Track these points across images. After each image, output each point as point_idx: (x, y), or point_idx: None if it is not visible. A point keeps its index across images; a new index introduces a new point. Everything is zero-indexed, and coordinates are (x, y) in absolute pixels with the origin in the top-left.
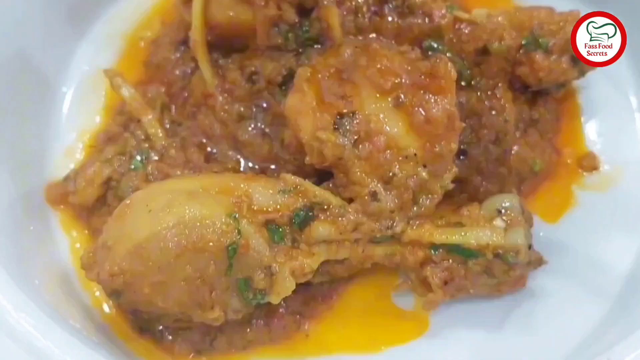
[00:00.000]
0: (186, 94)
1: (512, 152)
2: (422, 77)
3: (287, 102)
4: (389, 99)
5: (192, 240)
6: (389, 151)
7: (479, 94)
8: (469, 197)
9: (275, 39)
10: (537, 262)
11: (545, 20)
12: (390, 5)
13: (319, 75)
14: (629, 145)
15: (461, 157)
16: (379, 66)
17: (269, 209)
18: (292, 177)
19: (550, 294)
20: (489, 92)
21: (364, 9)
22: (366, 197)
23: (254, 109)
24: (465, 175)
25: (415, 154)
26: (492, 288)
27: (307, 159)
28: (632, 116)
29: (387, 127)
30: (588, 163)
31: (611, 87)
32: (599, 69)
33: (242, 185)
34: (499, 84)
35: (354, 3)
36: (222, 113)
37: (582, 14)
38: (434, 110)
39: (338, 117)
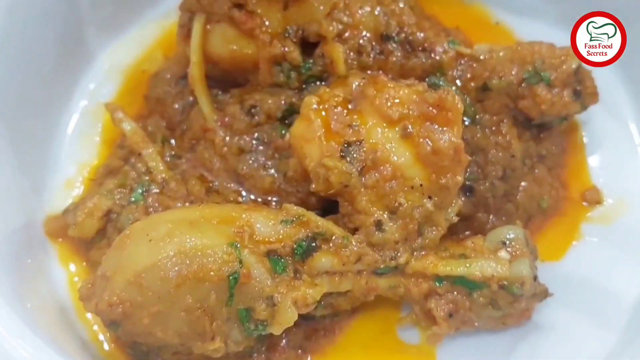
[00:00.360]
0: (185, 127)
1: (520, 188)
2: (430, 108)
3: (293, 129)
4: (397, 129)
5: (192, 270)
6: (395, 181)
7: (485, 130)
8: (475, 234)
9: (277, 77)
10: (543, 294)
11: (546, 54)
12: (393, 42)
13: (326, 104)
14: (632, 178)
15: (467, 194)
16: (387, 96)
17: (271, 239)
18: (295, 207)
19: (556, 327)
20: (493, 128)
21: (368, 48)
22: (371, 227)
23: (254, 143)
24: (471, 212)
25: (421, 185)
26: (497, 321)
27: (312, 186)
28: (634, 149)
29: (394, 157)
30: (592, 197)
31: (612, 121)
32: (600, 103)
33: (243, 215)
34: (504, 120)
35: (358, 40)
36: (221, 147)
37: (582, 14)
38: (440, 142)
39: (345, 145)
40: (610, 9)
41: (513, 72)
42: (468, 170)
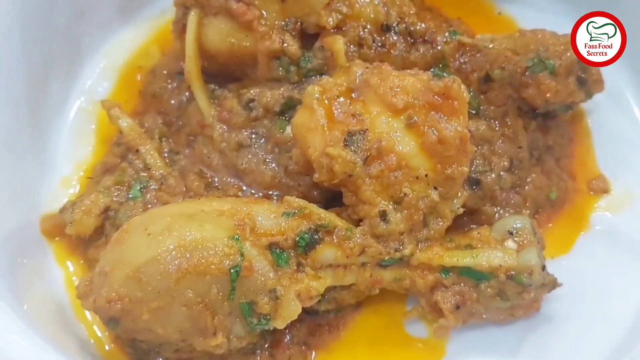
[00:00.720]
0: (181, 123)
1: (528, 180)
2: (435, 97)
3: (295, 119)
4: (401, 118)
5: (193, 264)
6: (400, 171)
7: (490, 121)
8: None
9: (276, 71)
10: (551, 284)
11: (550, 42)
12: (394, 33)
13: (329, 93)
14: (638, 166)
15: (474, 188)
16: (391, 85)
17: (273, 232)
18: (296, 200)
19: (565, 319)
20: (498, 120)
21: (369, 40)
22: (375, 217)
23: (254, 137)
24: (478, 205)
25: (426, 175)
26: (505, 312)
27: (315, 176)
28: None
29: (399, 146)
30: (599, 186)
31: (617, 109)
32: (605, 91)
33: (244, 208)
34: (509, 111)
35: (359, 32)
36: (220, 142)
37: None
38: (446, 131)
39: (349, 134)
40: (610, 9)
41: (515, 61)
42: (474, 163)
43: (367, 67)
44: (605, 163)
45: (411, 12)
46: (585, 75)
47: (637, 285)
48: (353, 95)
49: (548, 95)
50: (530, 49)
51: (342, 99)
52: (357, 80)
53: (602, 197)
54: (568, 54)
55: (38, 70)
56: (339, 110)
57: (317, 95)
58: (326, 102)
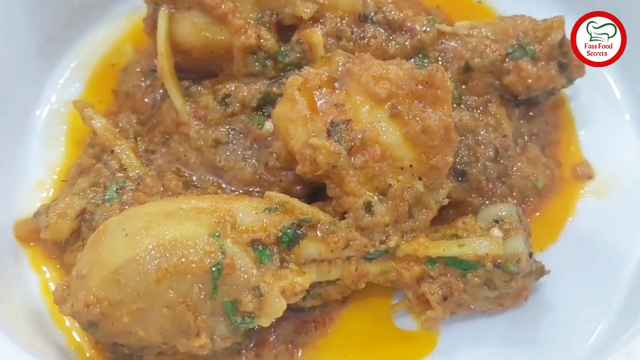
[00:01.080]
0: (156, 121)
1: (514, 169)
2: (418, 85)
3: (276, 111)
4: (385, 107)
5: (173, 263)
6: (384, 161)
7: (473, 111)
8: None
9: (252, 66)
10: (539, 271)
11: (530, 27)
12: (371, 23)
13: (311, 84)
14: (621, 150)
15: (460, 180)
16: (374, 74)
17: (254, 228)
18: (278, 195)
19: (555, 307)
20: (481, 109)
21: (348, 32)
22: (360, 209)
23: (231, 133)
24: (464, 197)
25: (411, 166)
26: (493, 302)
27: (298, 167)
28: (622, 121)
29: (383, 137)
30: (583, 172)
31: (599, 94)
32: (585, 76)
33: (224, 205)
34: (492, 100)
35: (336, 24)
36: (196, 140)
37: (582, 14)
38: (430, 120)
39: (332, 124)
40: (610, 9)
41: (495, 48)
42: (459, 154)
43: (349, 57)
44: (588, 148)
45: (389, 0)
46: (566, 60)
47: (625, 269)
48: (335, 85)
49: (529, 81)
50: (510, 35)
51: (324, 89)
52: (339, 70)
53: (588, 183)
54: (548, 39)
55: (7, 70)
56: (322, 101)
57: (298, 85)
58: (308, 92)
